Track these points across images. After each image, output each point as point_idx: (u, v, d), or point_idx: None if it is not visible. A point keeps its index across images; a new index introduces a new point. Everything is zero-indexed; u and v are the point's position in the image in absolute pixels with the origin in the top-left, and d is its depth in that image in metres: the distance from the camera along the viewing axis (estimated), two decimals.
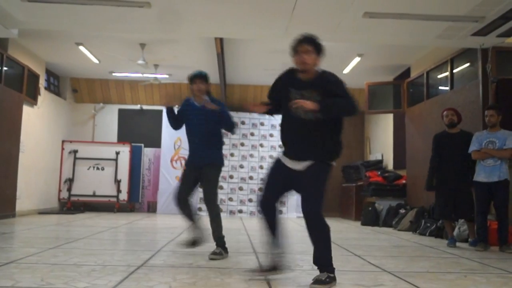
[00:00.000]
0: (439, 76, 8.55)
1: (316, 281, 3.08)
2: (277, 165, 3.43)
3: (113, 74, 11.11)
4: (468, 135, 5.91)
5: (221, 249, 4.37)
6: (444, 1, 5.83)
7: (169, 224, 8.43)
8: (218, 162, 4.59)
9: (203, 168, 4.51)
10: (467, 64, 7.70)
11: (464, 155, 5.77)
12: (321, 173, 3.31)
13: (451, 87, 7.94)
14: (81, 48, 9.18)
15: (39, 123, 10.20)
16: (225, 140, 11.61)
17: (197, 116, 4.54)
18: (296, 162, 3.31)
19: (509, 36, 6.64)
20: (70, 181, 11.22)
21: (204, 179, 4.53)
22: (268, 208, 3.44)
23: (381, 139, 11.57)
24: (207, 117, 4.49)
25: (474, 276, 3.73)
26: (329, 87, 3.30)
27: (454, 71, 7.96)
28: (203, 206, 4.77)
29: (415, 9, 6.04)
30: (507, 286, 3.39)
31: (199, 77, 4.53)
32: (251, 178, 11.58)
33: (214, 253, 4.30)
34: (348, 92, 3.29)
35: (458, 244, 5.86)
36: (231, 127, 4.63)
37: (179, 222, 8.81)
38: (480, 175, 5.59)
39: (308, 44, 3.35)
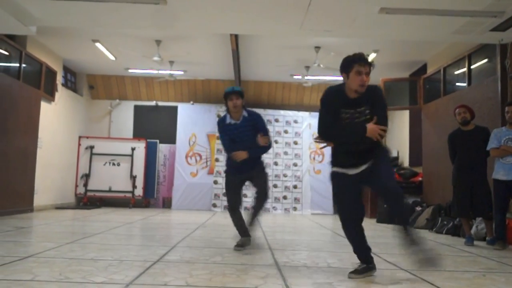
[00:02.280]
0: (456, 72, 8.44)
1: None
2: (344, 180, 3.48)
3: (129, 70, 11.18)
4: (483, 130, 5.84)
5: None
6: None
7: (184, 220, 8.47)
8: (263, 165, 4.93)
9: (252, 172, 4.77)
10: (485, 60, 7.58)
11: (481, 151, 5.69)
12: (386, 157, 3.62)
13: (469, 83, 7.83)
14: (98, 45, 9.26)
15: (56, 119, 10.32)
16: None
17: (235, 133, 4.71)
18: (358, 167, 3.43)
19: None
20: (87, 176, 11.34)
21: (257, 178, 4.79)
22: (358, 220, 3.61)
23: (397, 136, 11.47)
24: (245, 131, 4.70)
25: (492, 275, 3.68)
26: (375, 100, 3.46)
27: (472, 67, 7.85)
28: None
29: (432, 4, 5.94)
30: None
31: (234, 93, 4.64)
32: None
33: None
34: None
35: (475, 242, 5.78)
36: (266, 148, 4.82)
37: (193, 218, 8.89)
38: (499, 173, 5.50)
39: (368, 65, 3.40)
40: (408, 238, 3.33)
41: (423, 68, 9.86)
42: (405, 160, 10.74)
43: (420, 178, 9.38)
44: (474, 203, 5.76)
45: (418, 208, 8.42)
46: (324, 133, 3.49)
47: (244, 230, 4.72)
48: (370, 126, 3.27)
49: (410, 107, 10.14)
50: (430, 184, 8.85)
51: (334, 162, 3.55)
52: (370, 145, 3.35)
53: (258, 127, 4.74)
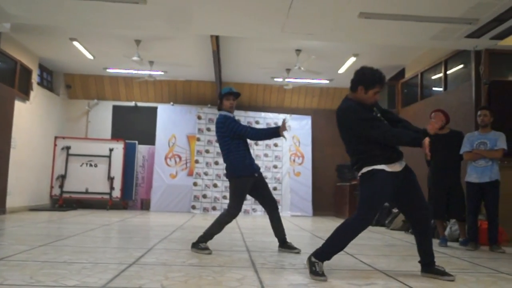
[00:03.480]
0: (433, 77, 8.59)
1: None
2: (390, 181, 3.44)
3: (108, 70, 11.04)
4: (458, 134, 5.97)
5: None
6: (439, 3, 5.84)
7: (162, 221, 8.39)
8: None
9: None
10: (461, 66, 7.74)
11: (456, 155, 5.82)
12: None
13: (445, 88, 7.97)
14: (75, 43, 9.12)
15: (31, 118, 10.13)
16: None
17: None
18: (401, 163, 3.54)
19: (502, 38, 6.69)
20: (62, 177, 11.14)
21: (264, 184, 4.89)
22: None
23: None
24: None
25: (464, 275, 3.76)
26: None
27: (448, 72, 8.00)
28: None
29: (410, 10, 6.06)
30: (496, 285, 3.42)
31: (233, 94, 4.86)
32: None
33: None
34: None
35: (449, 243, 5.94)
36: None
37: (172, 220, 8.80)
38: (472, 176, 5.66)
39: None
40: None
41: (402, 73, 9.98)
42: None
43: None
44: (449, 205, 5.90)
45: (395, 210, 8.50)
46: (385, 138, 3.43)
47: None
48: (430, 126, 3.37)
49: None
50: None
51: (376, 158, 3.44)
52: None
53: None
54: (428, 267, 3.57)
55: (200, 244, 4.51)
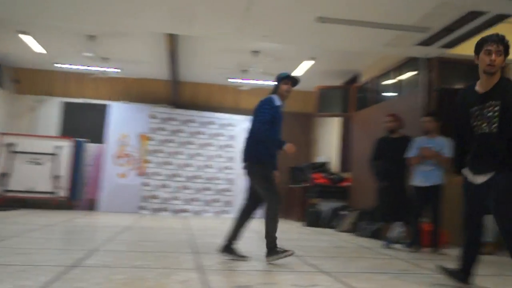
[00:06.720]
0: (386, 83, 8.78)
1: None
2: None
3: (58, 65, 10.65)
4: (407, 139, 6.13)
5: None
6: (393, 10, 5.96)
7: (109, 222, 8.17)
8: None
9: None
10: (413, 73, 7.95)
11: (403, 159, 5.98)
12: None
13: (397, 94, 8.16)
14: (25, 36, 8.76)
15: None
16: (174, 138, 11.40)
17: (280, 116, 4.63)
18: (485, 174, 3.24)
19: (452, 47, 6.88)
20: (5, 176, 10.66)
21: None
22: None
23: (327, 141, 11.75)
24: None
25: (406, 276, 3.86)
26: (509, 98, 3.11)
27: (400, 78, 8.21)
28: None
29: (365, 16, 6.16)
30: (436, 285, 3.53)
31: (292, 79, 4.57)
32: (196, 177, 11.40)
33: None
34: None
35: (393, 245, 6.06)
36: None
37: (120, 220, 8.57)
38: (417, 180, 5.82)
39: (500, 44, 3.15)
40: None
41: (357, 77, 10.15)
42: (335, 166, 10.99)
43: (347, 184, 9.62)
44: (395, 208, 6.05)
45: (344, 212, 8.66)
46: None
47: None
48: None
49: (342, 114, 10.41)
50: (357, 190, 9.10)
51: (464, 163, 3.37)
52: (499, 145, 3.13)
53: None
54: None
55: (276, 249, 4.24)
